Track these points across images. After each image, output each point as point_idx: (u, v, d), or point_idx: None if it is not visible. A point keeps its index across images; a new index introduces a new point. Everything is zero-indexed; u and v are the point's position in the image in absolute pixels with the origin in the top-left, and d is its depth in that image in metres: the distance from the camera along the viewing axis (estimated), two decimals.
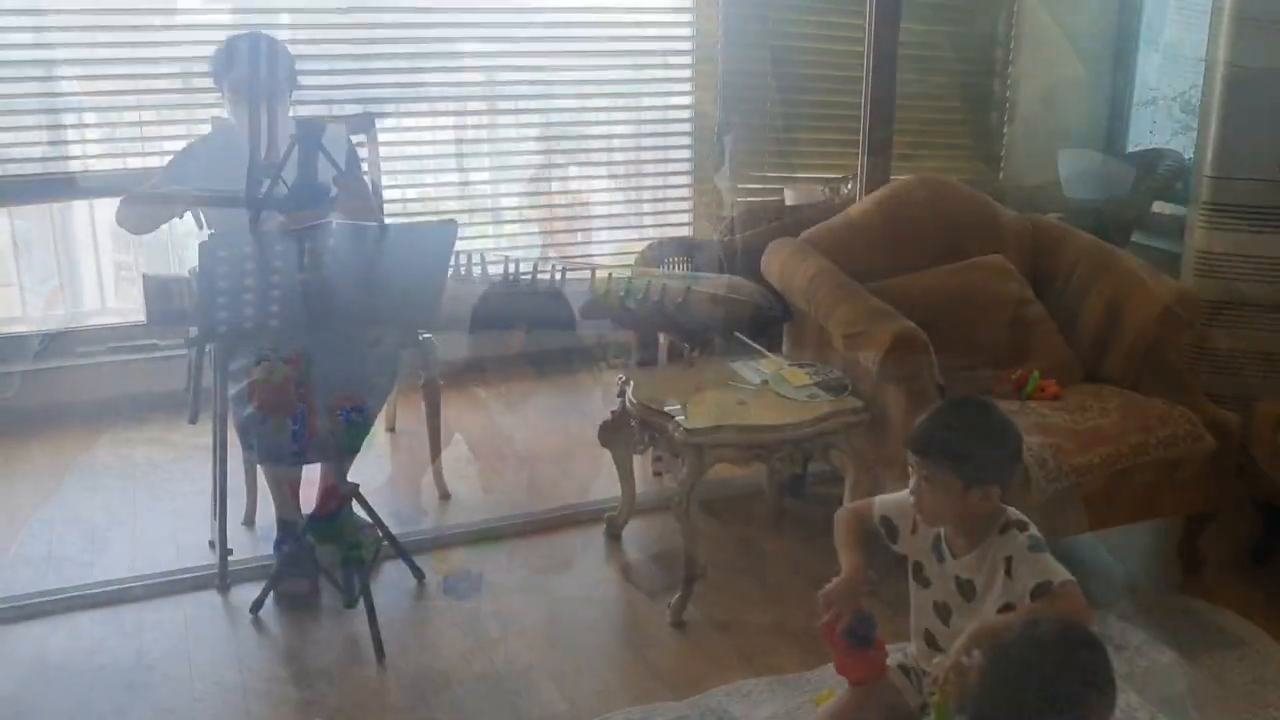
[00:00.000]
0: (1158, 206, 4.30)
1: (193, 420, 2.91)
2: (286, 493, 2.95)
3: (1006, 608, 2.09)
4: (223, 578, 2.88)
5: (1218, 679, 2.54)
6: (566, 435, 3.96)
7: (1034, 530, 2.08)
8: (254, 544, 3.07)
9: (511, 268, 3.12)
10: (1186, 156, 4.35)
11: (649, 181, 4.77)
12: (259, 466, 2.94)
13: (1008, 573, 2.07)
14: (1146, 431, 2.71)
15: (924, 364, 2.73)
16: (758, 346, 3.15)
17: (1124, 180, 4.31)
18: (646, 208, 4.79)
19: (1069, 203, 4.36)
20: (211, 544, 3.09)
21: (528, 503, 3.37)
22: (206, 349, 2.93)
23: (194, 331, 2.93)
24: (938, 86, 4.89)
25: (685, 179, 4.78)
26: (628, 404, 2.92)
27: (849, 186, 4.27)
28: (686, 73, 4.67)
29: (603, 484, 3.51)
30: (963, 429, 2.08)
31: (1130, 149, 4.85)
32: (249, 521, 3.17)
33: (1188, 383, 2.99)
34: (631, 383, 2.95)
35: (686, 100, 4.69)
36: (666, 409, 2.76)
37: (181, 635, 2.70)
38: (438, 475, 3.44)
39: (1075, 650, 1.74)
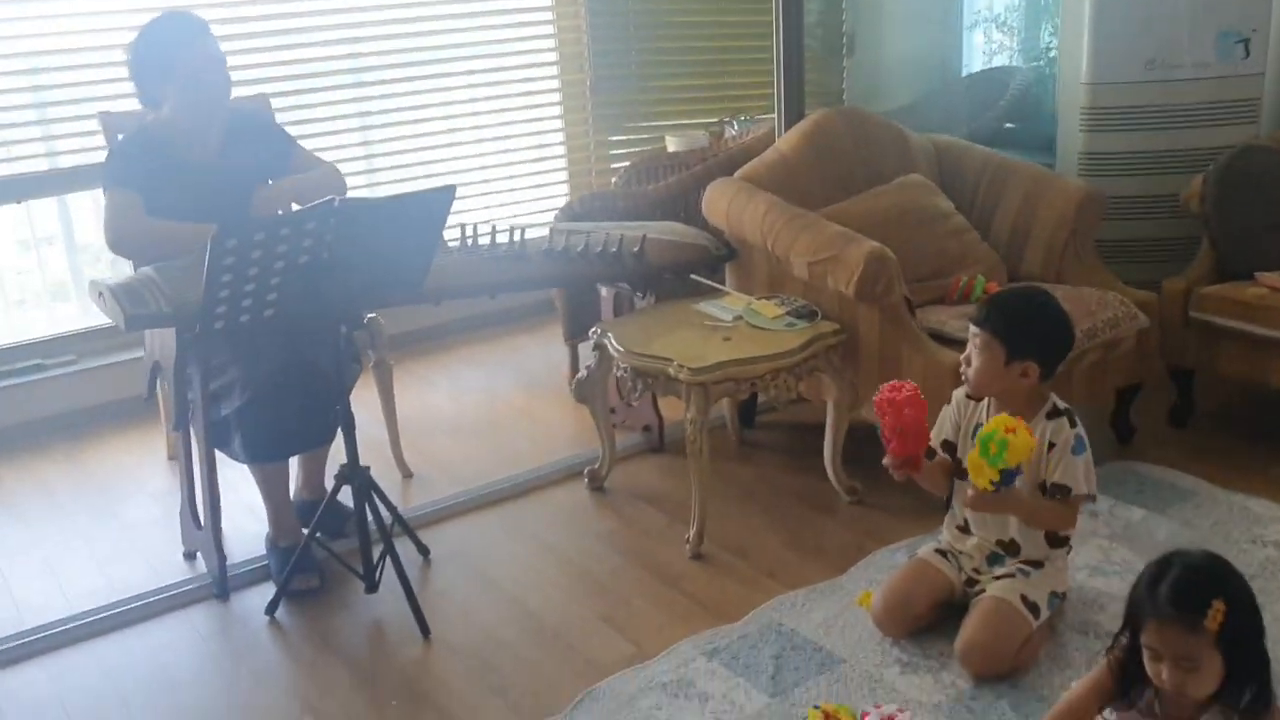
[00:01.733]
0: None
1: (178, 428, 2.77)
2: (277, 488, 2.86)
3: (1040, 486, 2.32)
4: (222, 586, 2.77)
5: (1187, 525, 2.84)
6: (518, 398, 3.97)
7: (1082, 429, 2.30)
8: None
9: (469, 232, 3.10)
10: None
11: (525, 142, 4.76)
12: (249, 466, 2.82)
13: (1047, 453, 2.30)
14: (1092, 316, 2.97)
15: (895, 280, 2.90)
16: (717, 285, 3.25)
17: (978, 101, 4.60)
18: (522, 169, 4.78)
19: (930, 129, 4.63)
20: (187, 556, 2.97)
21: (498, 470, 3.36)
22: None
23: (152, 342, 2.79)
24: (765, 26, 5.05)
25: (559, 135, 4.81)
26: (613, 355, 2.96)
27: (735, 129, 4.42)
28: (549, 29, 4.68)
29: (563, 441, 3.56)
30: (1016, 307, 2.30)
31: (964, 72, 5.16)
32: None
33: (1103, 271, 3.30)
34: (611, 334, 3.00)
35: (553, 57, 4.71)
36: (661, 354, 2.83)
37: (202, 647, 2.60)
38: (398, 455, 3.40)
39: None
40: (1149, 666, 1.74)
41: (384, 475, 3.33)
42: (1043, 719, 1.95)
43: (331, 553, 2.70)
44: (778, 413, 3.64)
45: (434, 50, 4.46)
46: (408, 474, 3.38)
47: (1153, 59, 3.54)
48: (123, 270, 3.16)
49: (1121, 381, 3.20)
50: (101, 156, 2.99)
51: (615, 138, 4.84)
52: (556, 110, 4.77)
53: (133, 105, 2.99)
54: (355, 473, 2.61)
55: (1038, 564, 2.39)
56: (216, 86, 2.85)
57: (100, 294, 2.61)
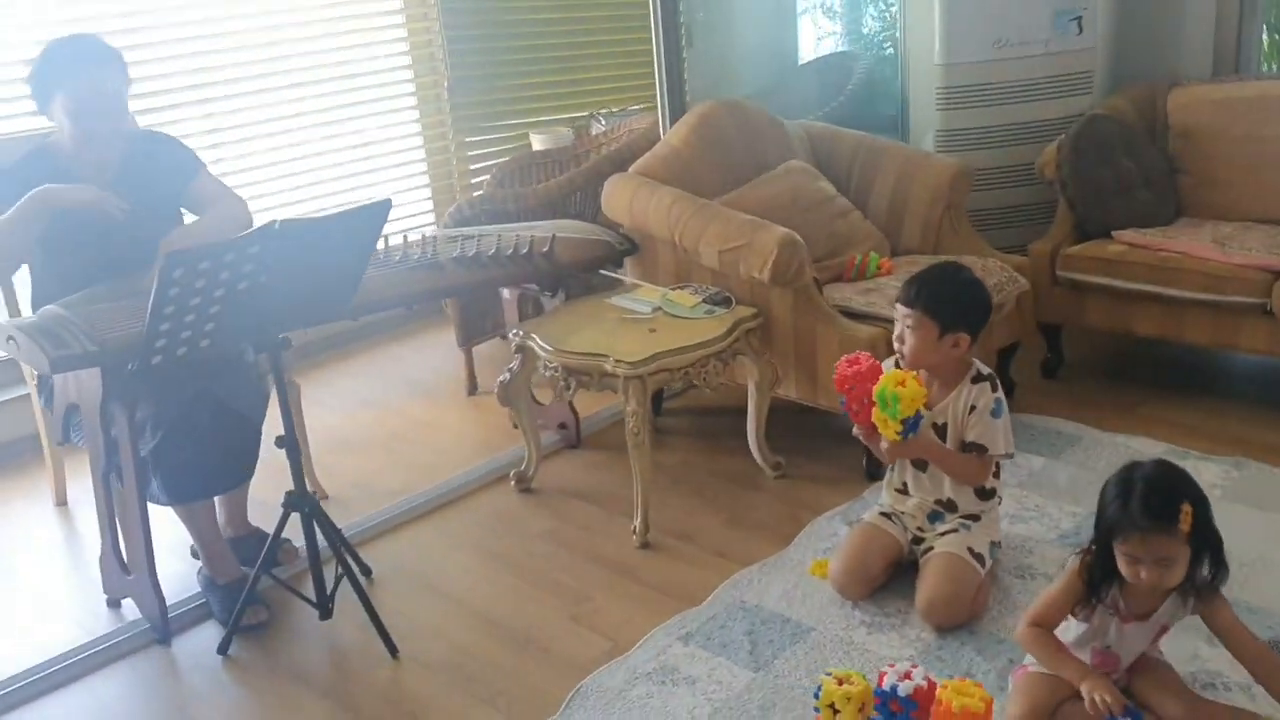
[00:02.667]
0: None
1: (108, 471, 2.63)
2: (207, 527, 2.76)
3: (962, 446, 2.50)
4: (164, 630, 2.66)
5: (1083, 467, 3.09)
6: (412, 408, 3.92)
7: (1001, 393, 2.50)
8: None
9: (380, 244, 3.05)
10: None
11: (383, 149, 4.68)
12: (174, 508, 2.71)
13: (969, 414, 2.49)
14: None
15: (805, 263, 3.03)
16: (626, 278, 3.32)
17: (822, 87, 4.80)
18: (383, 175, 4.70)
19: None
20: (111, 604, 2.84)
21: (415, 482, 3.33)
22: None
23: (65, 384, 2.64)
24: (621, 20, 5.15)
25: (417, 139, 4.75)
26: (539, 355, 2.99)
27: (603, 124, 4.48)
28: (402, 32, 4.62)
29: (472, 447, 3.56)
30: (941, 284, 2.46)
31: (799, 60, 5.36)
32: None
33: (977, 239, 3.53)
34: (535, 335, 3.02)
35: (406, 61, 4.65)
36: (594, 350, 2.88)
37: (158, 694, 2.50)
38: (311, 476, 3.32)
39: None
40: (1126, 570, 1.93)
41: None
42: (1021, 628, 2.10)
43: (284, 584, 2.63)
44: (678, 399, 3.74)
45: (284, 59, 4.33)
46: (323, 495, 3.31)
47: (999, 38, 3.80)
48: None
49: (1004, 341, 3.44)
50: None
51: (473, 139, 4.82)
52: (413, 115, 4.71)
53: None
54: (304, 499, 2.55)
55: (975, 517, 2.57)
56: (100, 116, 2.71)
57: (9, 338, 2.46)
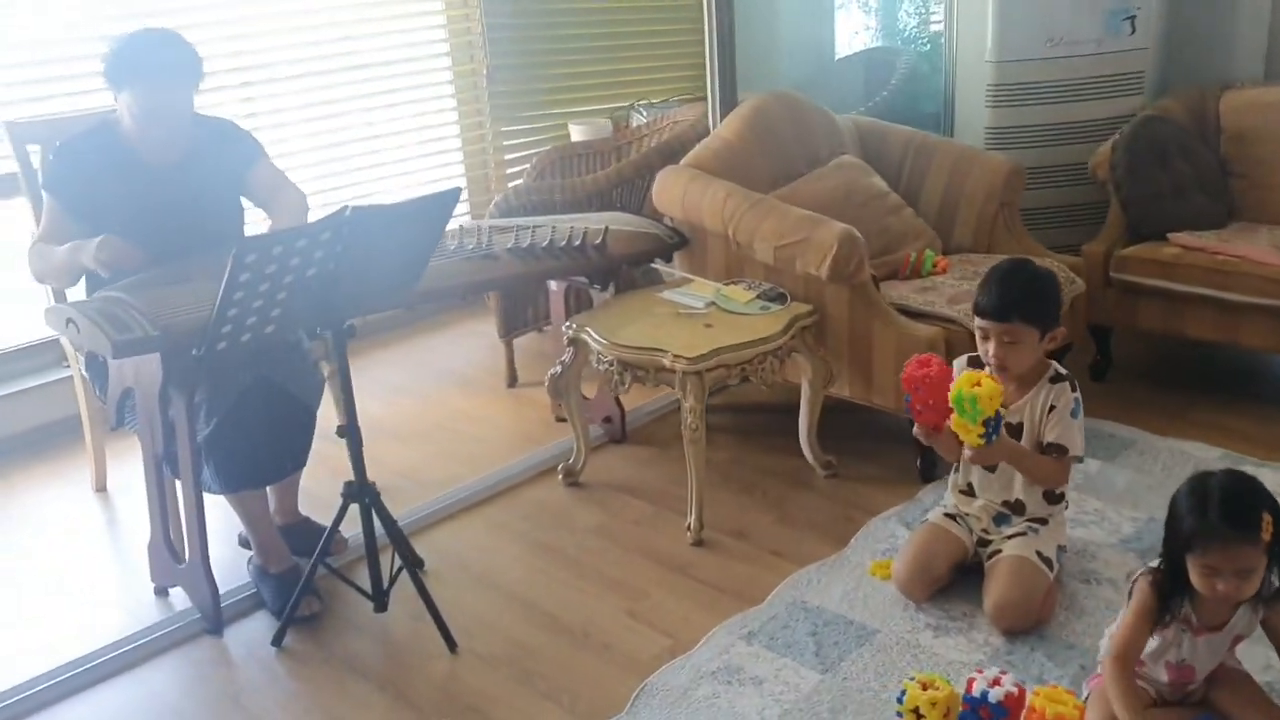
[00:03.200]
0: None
1: (167, 459, 2.59)
2: (259, 516, 2.73)
3: (1037, 445, 2.47)
4: (216, 620, 2.63)
5: (1140, 472, 3.06)
6: (451, 398, 3.89)
7: (1079, 394, 2.45)
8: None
9: None
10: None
11: (419, 136, 4.63)
12: (226, 497, 2.68)
13: (1048, 415, 2.45)
14: None
15: (865, 259, 2.99)
16: (676, 273, 3.28)
17: (863, 82, 4.77)
18: (417, 164, 4.66)
19: None
20: (159, 593, 2.81)
21: (461, 474, 3.30)
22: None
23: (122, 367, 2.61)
24: (661, 12, 5.11)
25: (454, 128, 4.71)
26: (594, 349, 2.95)
27: (645, 116, 4.44)
28: (441, 19, 4.57)
29: (514, 439, 3.53)
30: (1022, 288, 2.41)
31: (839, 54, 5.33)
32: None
33: (1030, 239, 3.50)
34: (590, 329, 2.99)
35: (445, 48, 4.60)
36: (652, 345, 2.84)
37: (213, 685, 2.46)
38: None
39: None
40: (1202, 582, 1.89)
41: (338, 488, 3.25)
42: (1103, 659, 2.07)
43: (340, 576, 2.59)
44: (720, 396, 3.70)
45: (322, 45, 4.28)
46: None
47: (1052, 37, 3.76)
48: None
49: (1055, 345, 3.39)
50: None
51: (509, 128, 4.77)
52: (451, 103, 4.66)
53: (40, 111, 2.79)
54: (364, 490, 2.52)
55: (1042, 521, 2.54)
56: (161, 124, 2.68)
57: (69, 321, 2.42)
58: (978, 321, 2.45)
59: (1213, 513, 1.85)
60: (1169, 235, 3.44)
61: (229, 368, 2.54)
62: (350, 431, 2.49)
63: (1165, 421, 3.32)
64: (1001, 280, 2.43)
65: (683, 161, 3.40)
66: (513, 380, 3.94)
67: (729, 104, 3.53)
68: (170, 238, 2.68)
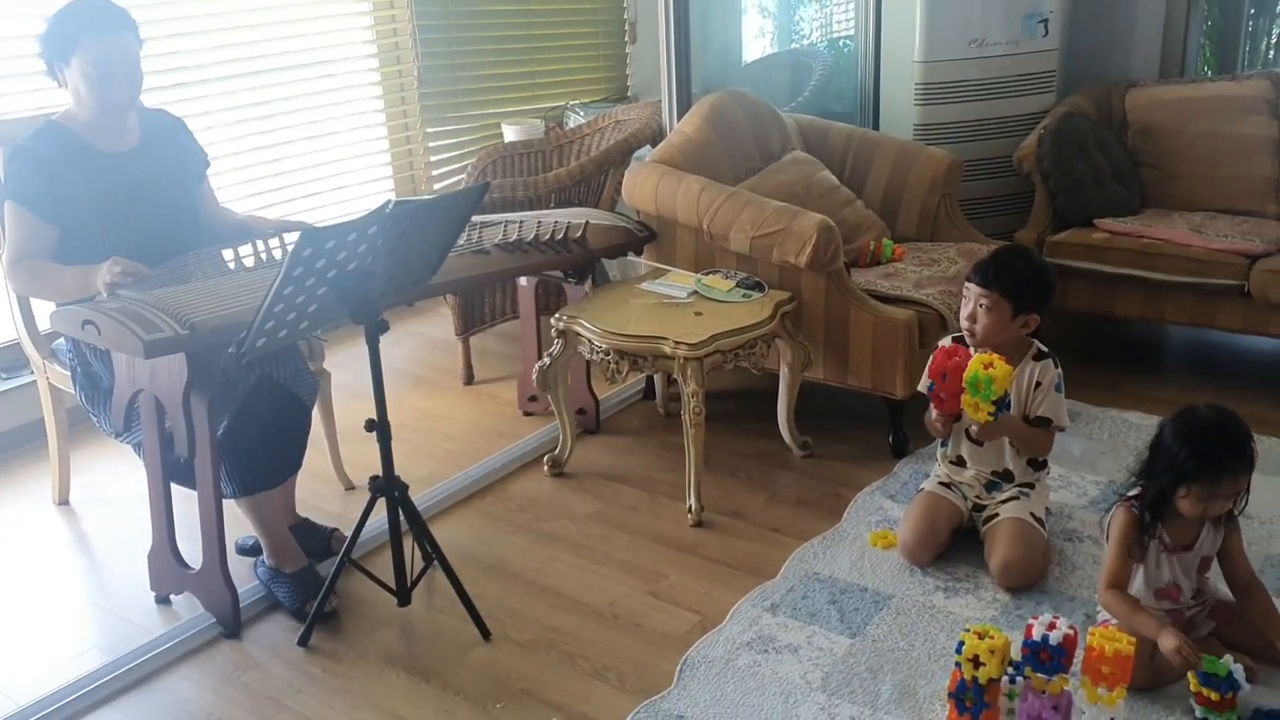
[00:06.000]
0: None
1: (194, 457, 2.53)
2: (271, 515, 2.70)
3: (1024, 418, 2.66)
4: (234, 624, 2.59)
5: (1092, 439, 3.31)
6: (409, 397, 3.87)
7: (1060, 370, 2.66)
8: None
9: None
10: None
11: (346, 139, 4.58)
12: (240, 499, 2.64)
13: (1034, 390, 2.65)
14: None
15: (840, 248, 3.15)
16: (650, 264, 3.37)
17: (779, 84, 4.94)
18: (345, 166, 4.61)
19: None
20: (160, 600, 2.74)
21: (440, 470, 3.31)
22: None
23: (133, 369, 2.54)
24: (570, 14, 5.20)
25: (380, 130, 4.68)
26: (588, 339, 3.02)
27: (582, 116, 4.51)
28: (368, 20, 4.54)
29: (483, 434, 3.56)
30: (1016, 267, 2.60)
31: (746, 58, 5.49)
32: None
33: (969, 228, 3.72)
34: (582, 320, 3.05)
35: (372, 50, 4.57)
36: (651, 333, 2.93)
37: (248, 687, 2.42)
38: (339, 467, 3.28)
39: None
40: (1195, 507, 2.15)
41: (323, 489, 3.23)
42: (1100, 595, 2.29)
43: (365, 571, 2.58)
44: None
45: (248, 45, 4.20)
46: (349, 486, 3.26)
47: (975, 38, 4.00)
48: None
49: None
50: None
51: (436, 129, 4.77)
52: (378, 104, 4.63)
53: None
54: (392, 484, 2.52)
55: (1030, 486, 2.74)
56: (124, 80, 2.64)
57: (86, 323, 2.35)
58: (965, 284, 2.64)
59: (1218, 446, 2.11)
60: (1096, 221, 3.72)
61: (238, 368, 2.53)
62: (380, 426, 2.50)
63: (1098, 394, 3.58)
64: (997, 255, 2.64)
65: (649, 158, 3.49)
66: (469, 378, 3.96)
67: (684, 103, 3.63)
68: (134, 225, 2.68)
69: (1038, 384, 2.66)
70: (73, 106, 2.68)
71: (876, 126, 4.26)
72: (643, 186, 3.41)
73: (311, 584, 2.66)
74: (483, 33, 4.75)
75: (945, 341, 2.72)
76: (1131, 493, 2.28)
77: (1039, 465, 2.76)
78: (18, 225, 2.64)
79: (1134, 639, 1.99)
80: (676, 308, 3.11)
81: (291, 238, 2.71)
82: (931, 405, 2.62)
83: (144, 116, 2.79)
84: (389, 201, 2.26)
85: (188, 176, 2.86)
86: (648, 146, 3.92)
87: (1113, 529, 2.27)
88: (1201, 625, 2.30)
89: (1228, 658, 2.06)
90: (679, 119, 3.63)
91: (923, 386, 2.69)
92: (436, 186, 4.79)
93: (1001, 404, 2.49)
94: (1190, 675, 2.07)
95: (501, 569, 2.82)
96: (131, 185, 2.70)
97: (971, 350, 2.57)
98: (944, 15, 3.98)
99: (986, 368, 2.44)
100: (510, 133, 4.59)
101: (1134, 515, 2.23)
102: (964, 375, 2.47)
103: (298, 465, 2.77)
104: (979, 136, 4.11)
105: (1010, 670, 2.07)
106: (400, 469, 2.56)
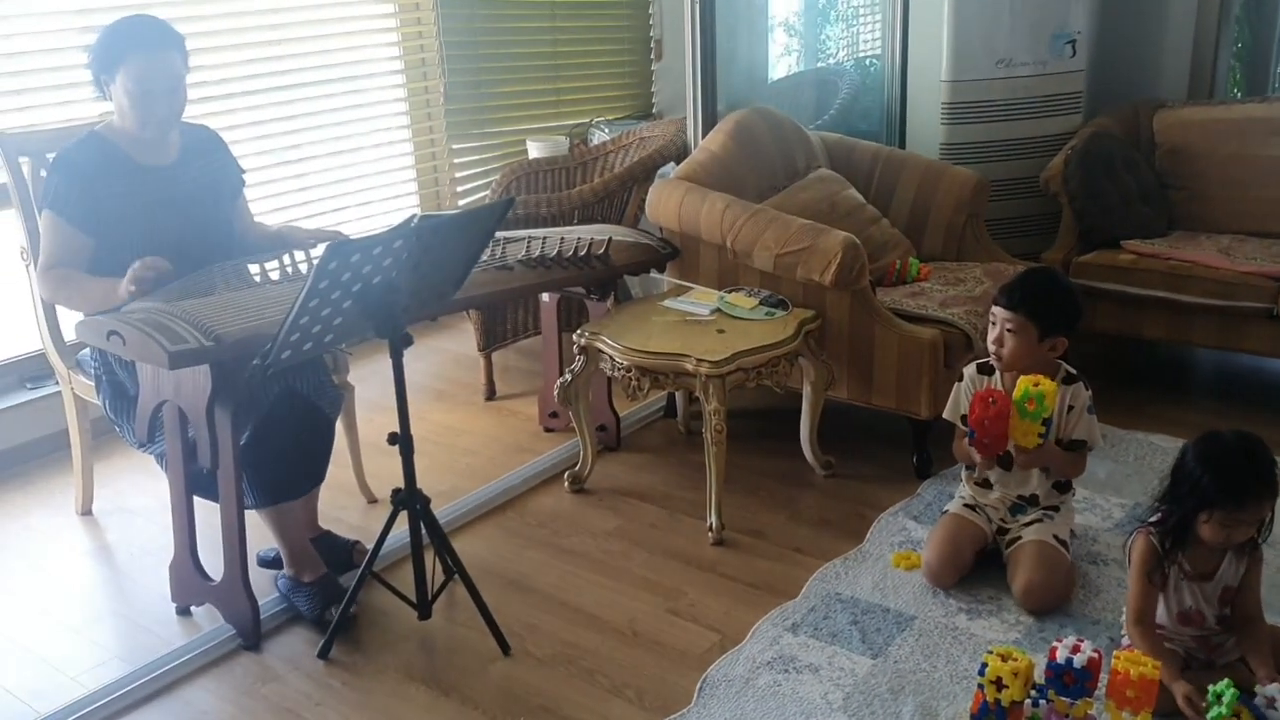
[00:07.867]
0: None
1: (217, 467, 2.54)
2: (293, 526, 2.71)
3: (1057, 442, 2.64)
4: (254, 636, 2.59)
5: (1118, 462, 3.28)
6: (431, 413, 3.87)
7: (1090, 390, 2.64)
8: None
9: None
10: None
11: (372, 154, 4.61)
12: (261, 510, 2.65)
13: (1067, 414, 2.62)
14: None
15: (865, 266, 3.14)
16: (679, 281, 3.37)
17: (804, 102, 4.94)
18: (371, 182, 4.63)
19: None
20: (180, 611, 2.75)
21: (461, 485, 3.31)
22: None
23: (158, 379, 2.55)
24: (596, 32, 5.22)
25: (406, 145, 4.70)
26: (609, 355, 3.02)
27: (606, 133, 4.52)
28: (394, 36, 4.57)
29: (504, 450, 3.56)
30: (1042, 289, 2.58)
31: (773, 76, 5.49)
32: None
33: (995, 248, 3.70)
34: (604, 336, 3.05)
35: (399, 65, 4.60)
36: (674, 351, 2.92)
37: (270, 700, 2.42)
38: (362, 481, 3.28)
39: None
40: (1215, 533, 2.11)
41: (346, 502, 3.23)
42: (1125, 626, 2.26)
43: (386, 584, 2.58)
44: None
45: (273, 61, 4.23)
46: (372, 499, 3.27)
47: (1002, 58, 3.99)
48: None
49: None
50: None
51: (461, 145, 4.79)
52: (404, 120, 4.65)
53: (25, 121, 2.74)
54: (414, 496, 2.52)
55: (1055, 508, 2.71)
56: (166, 96, 2.68)
57: (111, 333, 2.37)
58: (993, 308, 2.62)
59: (1241, 471, 2.08)
60: (1123, 242, 3.69)
61: (258, 378, 2.53)
62: (403, 440, 2.50)
63: (1123, 416, 3.55)
64: (1024, 277, 2.62)
65: (674, 175, 3.49)
66: (491, 393, 3.96)
67: (709, 119, 3.64)
68: (167, 240, 2.69)
69: (1070, 408, 2.64)
70: (115, 119, 2.72)
71: (903, 146, 4.26)
72: (666, 203, 3.41)
73: (331, 591, 2.67)
74: (508, 49, 4.77)
75: (970, 370, 2.71)
76: (1152, 519, 2.25)
77: (1064, 488, 2.73)
78: (52, 233, 2.68)
79: (1159, 665, 1.97)
80: (699, 325, 3.10)
81: (317, 252, 2.74)
82: (962, 439, 2.60)
83: (184, 132, 2.82)
84: (414, 216, 2.27)
85: (223, 193, 2.89)
86: (671, 163, 3.93)
87: (1133, 556, 2.24)
88: (1230, 651, 2.26)
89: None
90: (704, 136, 3.64)
91: (950, 416, 2.69)
92: (461, 202, 4.81)
93: (1049, 424, 2.48)
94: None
95: (521, 584, 2.82)
96: (166, 200, 2.73)
97: (998, 382, 2.56)
98: (971, 35, 3.97)
99: (1036, 386, 2.44)
100: (534, 149, 4.60)
101: (1152, 543, 2.20)
102: (1014, 395, 2.46)
103: (320, 478, 2.79)
104: (1005, 157, 4.10)
105: (1033, 693, 2.05)
106: (422, 483, 2.56)
